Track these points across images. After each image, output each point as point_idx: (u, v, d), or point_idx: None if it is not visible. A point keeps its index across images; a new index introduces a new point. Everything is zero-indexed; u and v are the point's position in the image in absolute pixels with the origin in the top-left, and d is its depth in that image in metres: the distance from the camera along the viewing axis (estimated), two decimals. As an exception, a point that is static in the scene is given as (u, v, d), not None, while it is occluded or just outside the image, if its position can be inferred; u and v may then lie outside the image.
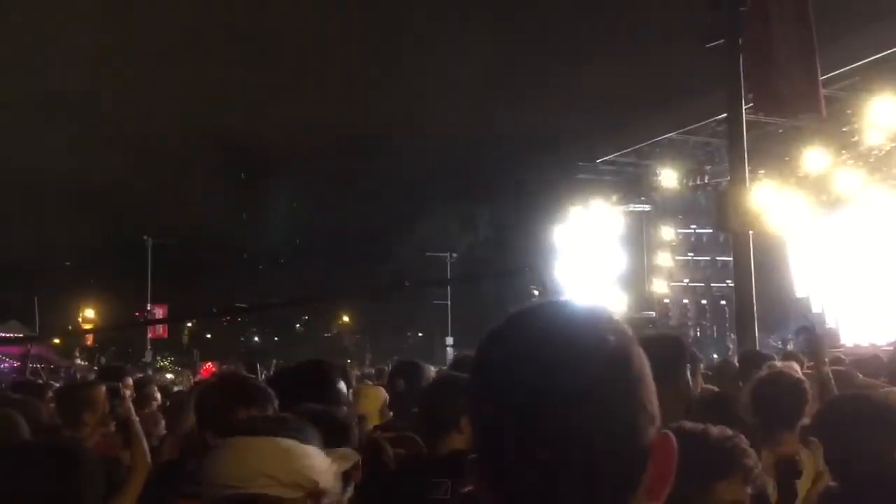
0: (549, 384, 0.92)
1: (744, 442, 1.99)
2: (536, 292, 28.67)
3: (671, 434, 0.96)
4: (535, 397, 0.92)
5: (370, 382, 7.57)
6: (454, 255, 41.61)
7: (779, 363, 4.60)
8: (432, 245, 43.12)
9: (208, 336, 55.33)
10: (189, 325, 48.37)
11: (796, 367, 4.54)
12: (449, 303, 39.87)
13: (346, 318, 58.67)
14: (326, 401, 2.72)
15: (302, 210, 62.66)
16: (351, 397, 3.45)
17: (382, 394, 4.87)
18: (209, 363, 26.93)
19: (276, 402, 2.70)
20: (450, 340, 34.58)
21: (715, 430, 1.98)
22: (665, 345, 3.05)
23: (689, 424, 2.01)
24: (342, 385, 3.08)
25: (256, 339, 63.21)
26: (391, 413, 4.62)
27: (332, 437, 2.11)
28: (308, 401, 2.53)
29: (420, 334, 56.41)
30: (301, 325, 64.93)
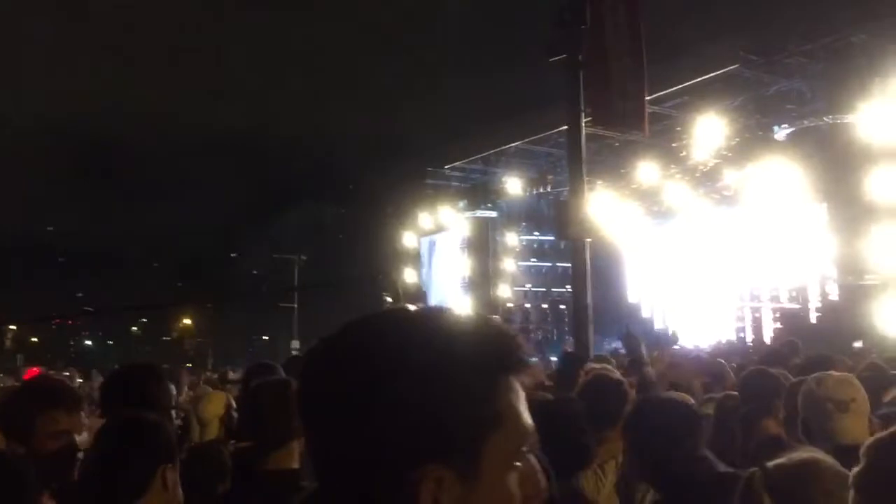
0: (321, 396, 0.93)
1: None
2: (389, 298, 28.82)
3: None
4: (313, 409, 0.94)
5: (210, 388, 7.36)
6: (303, 257, 40.99)
7: (595, 365, 4.83)
8: (281, 248, 42.33)
9: (34, 340, 51.83)
10: (12, 328, 45.09)
11: (610, 368, 4.78)
12: (295, 306, 39.23)
13: (187, 321, 56.54)
14: (149, 405, 2.64)
15: (143, 210, 59.84)
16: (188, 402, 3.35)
17: (225, 399, 4.72)
18: (34, 368, 25.13)
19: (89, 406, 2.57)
20: (296, 344, 33.98)
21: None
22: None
23: None
24: (170, 388, 2.99)
25: (88, 342, 59.74)
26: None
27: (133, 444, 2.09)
28: (132, 404, 2.44)
29: (265, 338, 55.17)
30: (138, 329, 61.98)
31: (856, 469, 1.76)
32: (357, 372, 0.90)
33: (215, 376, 12.21)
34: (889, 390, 3.93)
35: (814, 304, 18.86)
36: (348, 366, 0.91)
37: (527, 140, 21.66)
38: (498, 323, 0.97)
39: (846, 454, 2.58)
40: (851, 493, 1.75)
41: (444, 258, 26.17)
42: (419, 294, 26.69)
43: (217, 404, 4.59)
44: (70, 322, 53.21)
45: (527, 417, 0.94)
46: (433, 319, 0.96)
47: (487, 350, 0.93)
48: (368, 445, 0.88)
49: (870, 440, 1.68)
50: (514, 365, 0.94)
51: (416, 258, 27.16)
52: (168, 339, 58.28)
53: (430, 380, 0.89)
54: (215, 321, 53.42)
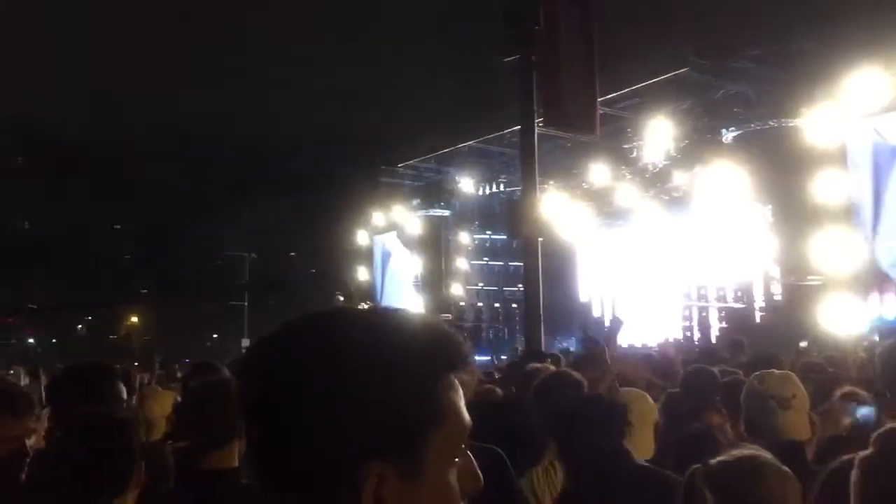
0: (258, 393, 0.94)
1: None
2: (342, 297, 28.67)
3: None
4: (254, 409, 0.94)
5: (159, 388, 7.24)
6: (253, 255, 40.58)
7: (538, 365, 4.89)
8: (232, 245, 41.83)
9: (-32, 338, 50.37)
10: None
11: (551, 367, 4.86)
12: (246, 304, 38.80)
13: (134, 319, 55.52)
14: (108, 404, 2.60)
15: (89, 207, 58.50)
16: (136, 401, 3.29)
17: (173, 398, 4.64)
18: (-26, 368, 24.45)
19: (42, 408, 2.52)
20: (246, 343, 33.61)
21: None
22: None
23: None
24: (119, 388, 2.94)
25: (31, 340, 58.29)
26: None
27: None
28: (80, 404, 2.39)
29: (215, 336, 54.47)
30: (83, 327, 60.67)
31: (864, 453, 1.81)
32: (298, 372, 0.90)
33: (163, 374, 12.02)
34: (838, 387, 4.04)
35: (758, 303, 19.27)
36: (289, 366, 0.91)
37: (480, 139, 21.73)
38: (437, 322, 0.98)
39: (789, 450, 2.65)
40: (856, 473, 1.78)
41: (397, 257, 26.13)
42: (371, 292, 26.63)
43: (164, 404, 4.53)
44: (10, 320, 51.87)
45: (466, 414, 0.96)
46: (372, 319, 0.97)
47: (427, 349, 0.94)
48: (311, 445, 0.89)
49: (881, 430, 1.75)
50: (453, 363, 0.95)
51: (368, 256, 27.07)
52: (115, 337, 57.18)
53: (372, 379, 0.90)
54: (163, 319, 52.57)
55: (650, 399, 3.65)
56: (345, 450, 0.88)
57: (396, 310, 0.99)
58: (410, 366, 0.92)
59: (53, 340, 57.74)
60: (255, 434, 0.94)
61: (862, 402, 3.43)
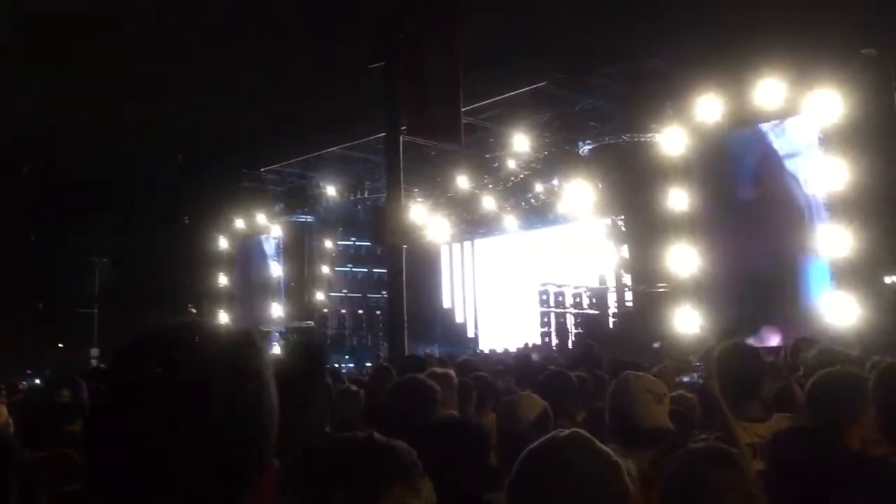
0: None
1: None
2: (193, 310, 27.73)
3: (276, 464, 1.02)
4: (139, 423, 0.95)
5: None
6: (105, 260, 38.63)
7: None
8: (83, 250, 39.63)
9: None
10: None
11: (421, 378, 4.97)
12: (96, 311, 36.90)
13: (-30, 329, 51.60)
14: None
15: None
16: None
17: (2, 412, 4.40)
18: None
19: None
20: (95, 352, 31.96)
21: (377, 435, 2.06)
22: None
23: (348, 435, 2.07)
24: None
25: None
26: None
27: None
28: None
29: (60, 345, 51.40)
30: None
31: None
32: (192, 386, 0.96)
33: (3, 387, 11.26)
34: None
35: (611, 309, 20.13)
36: (177, 380, 0.96)
37: (345, 145, 21.62)
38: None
39: (661, 434, 2.91)
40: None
41: (259, 263, 25.59)
42: (229, 300, 25.96)
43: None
44: None
45: None
46: (235, 338, 1.03)
47: (297, 363, 1.03)
48: (216, 453, 0.95)
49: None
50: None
51: (229, 263, 26.38)
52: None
53: (261, 388, 0.99)
54: (4, 328, 49.13)
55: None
56: (247, 454, 0.97)
57: (252, 329, 1.07)
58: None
59: None
60: (137, 450, 0.95)
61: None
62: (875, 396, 2.70)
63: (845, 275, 13.43)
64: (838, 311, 13.31)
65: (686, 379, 3.52)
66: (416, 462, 2.03)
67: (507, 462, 2.72)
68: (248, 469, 0.96)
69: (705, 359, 3.49)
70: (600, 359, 7.00)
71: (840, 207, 13.38)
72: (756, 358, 3.64)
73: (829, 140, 13.51)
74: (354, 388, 4.97)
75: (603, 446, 1.60)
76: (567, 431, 1.61)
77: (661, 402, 3.01)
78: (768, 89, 13.93)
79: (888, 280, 18.98)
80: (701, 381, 3.37)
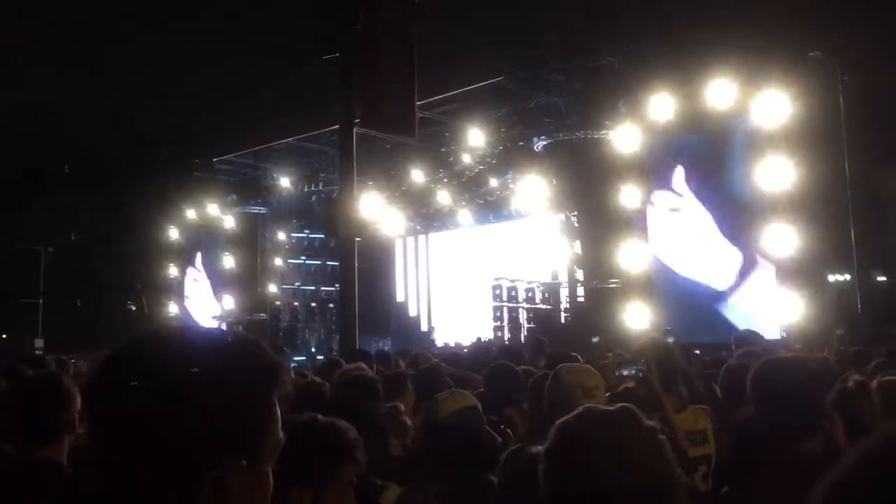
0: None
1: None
2: (133, 307, 27.28)
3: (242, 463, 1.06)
4: (112, 421, 1.04)
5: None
6: (50, 249, 37.75)
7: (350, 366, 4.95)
8: (25, 239, 38.64)
9: None
10: None
11: (363, 365, 4.96)
12: (41, 301, 36.05)
13: None
14: None
15: None
16: None
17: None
18: None
19: None
20: (40, 343, 31.22)
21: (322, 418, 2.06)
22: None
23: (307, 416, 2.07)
24: None
25: None
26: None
27: None
28: None
29: (4, 336, 50.17)
30: None
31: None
32: (162, 386, 1.02)
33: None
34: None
35: (563, 304, 20.32)
36: (153, 382, 1.02)
37: (300, 137, 21.46)
38: (257, 341, 1.14)
39: None
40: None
41: (211, 254, 25.27)
42: (180, 291, 25.62)
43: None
44: None
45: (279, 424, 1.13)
46: (212, 338, 1.13)
47: (258, 365, 1.10)
48: (172, 449, 1.01)
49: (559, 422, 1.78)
50: (275, 374, 1.12)
51: (180, 253, 25.99)
52: None
53: (222, 392, 1.04)
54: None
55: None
56: (208, 450, 1.02)
57: (222, 331, 1.18)
58: (249, 380, 1.08)
59: None
60: (113, 443, 1.03)
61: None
62: (750, 386, 2.79)
63: (790, 273, 13.76)
64: (783, 308, 13.64)
65: (626, 372, 3.60)
66: (359, 439, 2.06)
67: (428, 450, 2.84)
68: (207, 468, 1.01)
69: (643, 353, 3.61)
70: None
71: (786, 207, 13.68)
72: (676, 354, 3.88)
73: (776, 140, 13.79)
74: (318, 380, 4.93)
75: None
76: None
77: (592, 396, 3.06)
78: (719, 89, 14.16)
79: (832, 278, 19.51)
80: (640, 374, 3.48)
